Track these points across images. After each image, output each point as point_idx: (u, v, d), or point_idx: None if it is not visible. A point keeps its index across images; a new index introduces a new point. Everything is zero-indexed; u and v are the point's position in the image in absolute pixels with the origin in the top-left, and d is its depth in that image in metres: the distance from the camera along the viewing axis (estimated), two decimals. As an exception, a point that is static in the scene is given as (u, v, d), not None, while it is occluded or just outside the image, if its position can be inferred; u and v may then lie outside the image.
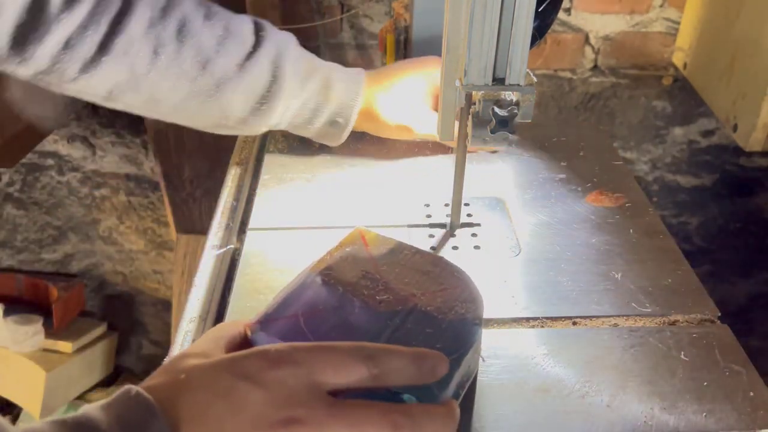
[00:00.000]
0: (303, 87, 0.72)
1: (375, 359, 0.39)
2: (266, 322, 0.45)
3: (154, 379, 0.40)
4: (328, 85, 0.73)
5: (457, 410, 0.40)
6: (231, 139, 0.81)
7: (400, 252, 0.52)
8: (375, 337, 0.44)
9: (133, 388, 0.38)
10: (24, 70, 0.64)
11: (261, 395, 0.37)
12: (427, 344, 0.43)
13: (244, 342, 0.44)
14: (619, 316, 0.57)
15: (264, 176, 0.76)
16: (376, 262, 0.51)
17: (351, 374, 0.38)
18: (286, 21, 1.49)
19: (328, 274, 0.49)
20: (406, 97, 0.76)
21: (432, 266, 0.51)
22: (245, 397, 0.37)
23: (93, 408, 0.37)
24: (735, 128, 1.23)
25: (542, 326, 0.56)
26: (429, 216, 0.69)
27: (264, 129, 0.74)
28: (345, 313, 0.46)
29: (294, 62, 0.71)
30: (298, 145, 0.81)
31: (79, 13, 0.62)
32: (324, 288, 0.48)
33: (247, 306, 0.58)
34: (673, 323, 0.56)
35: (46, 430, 0.35)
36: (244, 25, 0.70)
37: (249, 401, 0.37)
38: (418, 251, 0.52)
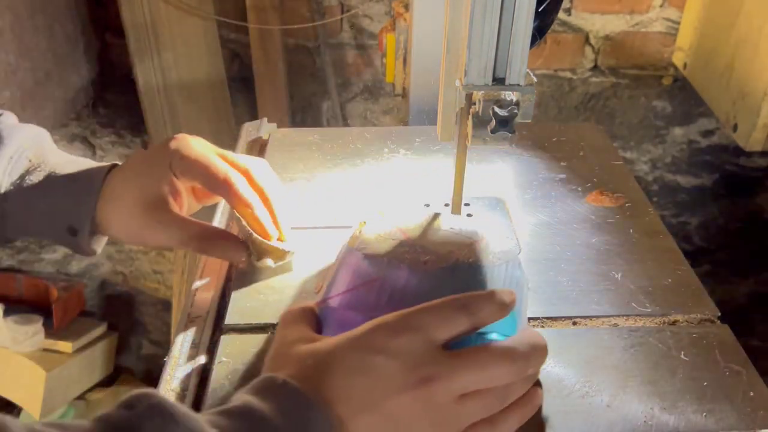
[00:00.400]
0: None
1: (469, 308, 0.43)
2: (332, 298, 0.49)
3: (276, 368, 0.43)
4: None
5: (544, 338, 0.44)
6: (231, 139, 0.81)
7: (419, 220, 0.59)
8: (434, 295, 0.46)
9: (277, 377, 0.40)
10: None
11: (394, 364, 0.40)
12: (483, 289, 0.49)
13: (317, 320, 0.49)
14: (619, 316, 0.57)
15: (264, 176, 0.75)
16: (404, 232, 0.57)
17: (456, 326, 0.43)
18: (286, 21, 1.49)
19: (365, 248, 0.54)
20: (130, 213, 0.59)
21: (454, 225, 0.58)
22: (381, 369, 0.40)
23: (248, 397, 0.39)
24: (735, 128, 1.23)
25: (542, 326, 0.56)
26: (429, 216, 0.69)
27: None
28: (398, 277, 0.51)
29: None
30: (298, 145, 0.81)
31: None
32: (368, 260, 0.53)
33: (248, 306, 0.58)
34: (673, 323, 0.56)
35: (213, 420, 0.37)
36: None
37: (386, 372, 0.40)
38: (435, 215, 0.59)
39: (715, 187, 1.72)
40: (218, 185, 0.58)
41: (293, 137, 0.83)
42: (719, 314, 0.57)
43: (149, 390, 0.37)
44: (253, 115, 1.58)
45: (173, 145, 0.59)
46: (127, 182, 0.59)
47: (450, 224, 0.59)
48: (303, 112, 1.63)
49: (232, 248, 0.58)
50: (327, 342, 0.43)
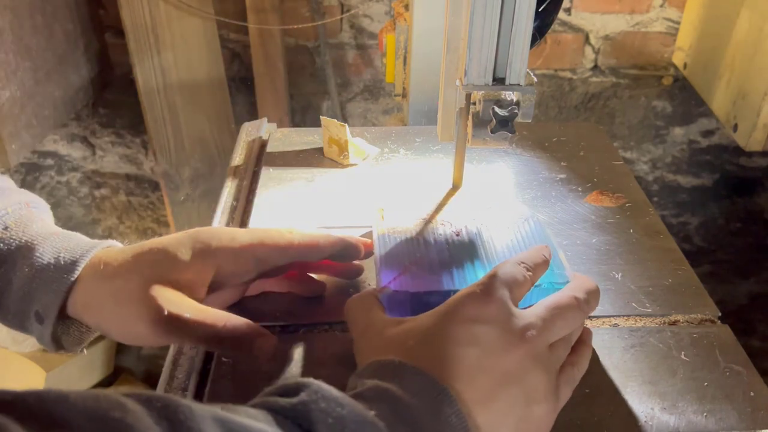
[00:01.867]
0: None
1: (528, 264, 0.48)
2: (391, 283, 0.52)
3: (377, 356, 0.43)
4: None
5: (596, 286, 0.49)
6: (231, 140, 0.81)
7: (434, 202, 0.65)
8: (472, 258, 0.55)
9: (393, 359, 0.42)
10: None
11: (494, 329, 0.43)
12: (519, 249, 0.56)
13: (376, 301, 0.50)
14: (619, 316, 0.57)
15: (264, 176, 0.76)
16: (423, 212, 0.62)
17: (525, 284, 0.47)
18: (286, 21, 1.49)
19: (396, 231, 0.59)
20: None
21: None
22: (485, 336, 0.43)
23: (372, 381, 0.40)
24: (735, 128, 1.23)
25: (542, 326, 0.56)
26: (429, 216, 0.69)
27: None
28: (438, 251, 0.56)
29: None
30: (298, 145, 0.81)
31: None
32: (406, 241, 0.58)
33: (248, 306, 0.58)
34: (674, 323, 0.56)
35: (348, 404, 0.37)
36: None
37: (489, 338, 0.43)
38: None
39: (716, 187, 1.72)
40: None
41: (293, 137, 0.83)
42: (719, 314, 0.57)
43: (306, 378, 0.38)
44: (253, 115, 1.58)
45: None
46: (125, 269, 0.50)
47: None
48: (303, 112, 1.63)
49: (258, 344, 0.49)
50: (419, 321, 0.45)
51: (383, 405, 0.38)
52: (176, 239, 0.51)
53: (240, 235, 0.53)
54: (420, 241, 0.57)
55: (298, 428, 0.35)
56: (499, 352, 0.42)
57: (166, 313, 0.47)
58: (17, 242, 0.51)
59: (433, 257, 0.55)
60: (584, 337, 0.49)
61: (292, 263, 0.55)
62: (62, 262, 0.50)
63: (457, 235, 0.58)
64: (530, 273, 0.48)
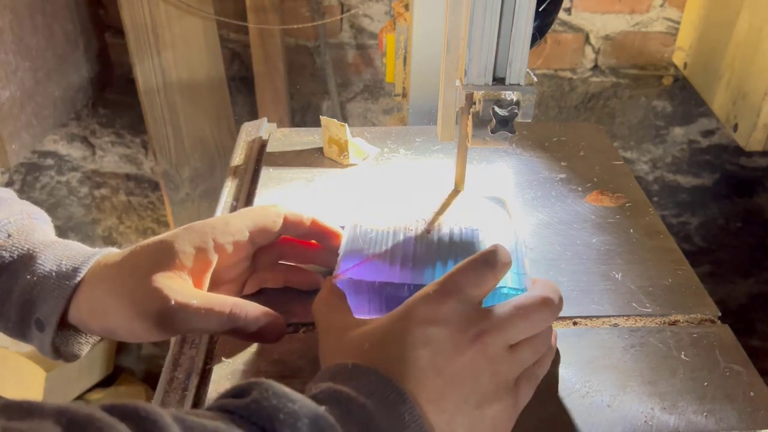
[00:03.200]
0: None
1: (490, 263, 0.46)
2: (348, 270, 0.52)
3: (336, 359, 0.44)
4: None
5: (558, 289, 0.48)
6: (231, 139, 0.81)
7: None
8: (439, 257, 0.54)
9: (346, 362, 0.42)
10: None
11: (447, 330, 0.43)
12: (484, 247, 0.53)
13: (340, 294, 0.51)
14: (619, 316, 0.57)
15: (264, 176, 0.75)
16: (403, 210, 0.62)
17: (486, 283, 0.46)
18: (286, 21, 1.49)
19: (368, 222, 0.59)
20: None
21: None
22: (437, 336, 0.43)
23: (325, 384, 0.40)
24: (735, 128, 1.23)
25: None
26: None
27: None
28: (405, 245, 0.56)
29: None
30: (298, 145, 0.81)
31: None
32: (375, 233, 0.57)
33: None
34: (674, 323, 0.56)
35: (298, 399, 0.37)
36: None
37: (442, 339, 0.43)
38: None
39: (716, 187, 1.72)
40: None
41: (293, 137, 0.83)
42: (719, 314, 0.57)
43: (257, 379, 0.38)
44: (253, 115, 1.58)
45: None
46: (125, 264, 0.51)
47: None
48: (303, 112, 1.63)
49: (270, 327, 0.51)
50: (375, 323, 0.46)
51: (335, 405, 0.39)
52: (173, 233, 0.52)
53: (232, 219, 0.55)
54: (389, 235, 0.57)
55: (252, 426, 0.36)
56: (450, 352, 0.42)
57: (173, 302, 0.48)
58: (19, 250, 0.51)
59: (397, 251, 0.55)
60: (553, 336, 0.50)
61: (284, 252, 0.59)
62: (64, 270, 0.50)
63: (428, 232, 0.58)
64: (496, 271, 0.47)
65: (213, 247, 0.52)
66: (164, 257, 0.50)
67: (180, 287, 0.49)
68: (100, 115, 1.60)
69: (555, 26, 1.34)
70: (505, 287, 0.50)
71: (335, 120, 0.77)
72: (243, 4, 1.44)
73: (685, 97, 1.60)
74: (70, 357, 0.54)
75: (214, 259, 0.53)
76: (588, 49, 1.56)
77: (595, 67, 1.58)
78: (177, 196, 1.57)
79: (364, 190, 0.73)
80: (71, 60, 1.49)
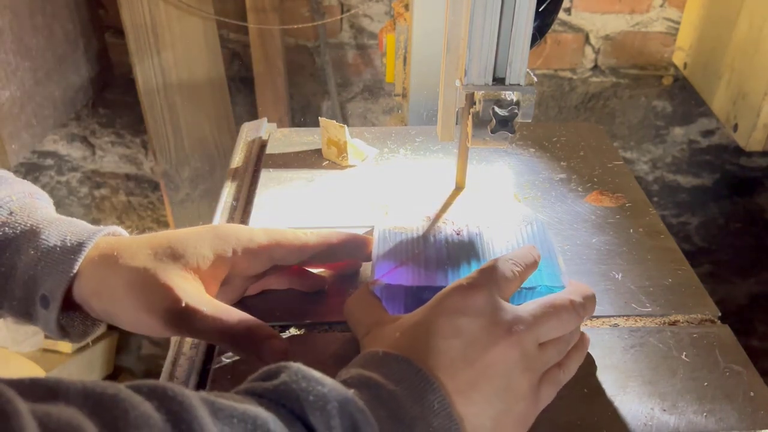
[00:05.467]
0: None
1: (519, 264, 0.48)
2: (384, 276, 0.52)
3: (375, 347, 0.44)
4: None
5: (593, 293, 0.49)
6: (231, 140, 0.81)
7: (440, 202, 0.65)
8: (470, 258, 0.55)
9: (377, 350, 0.43)
10: None
11: (479, 321, 0.43)
12: (514, 249, 0.54)
13: (375, 299, 0.51)
14: (619, 316, 0.57)
15: (264, 176, 0.75)
16: (427, 211, 0.62)
17: (513, 281, 0.47)
18: (286, 21, 1.49)
19: (396, 226, 0.59)
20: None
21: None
22: (469, 327, 0.43)
23: (355, 370, 0.41)
24: (735, 128, 1.23)
25: (542, 326, 0.56)
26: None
27: None
28: (437, 248, 0.56)
29: None
30: (298, 145, 0.81)
31: None
32: (407, 237, 0.58)
33: (248, 305, 0.58)
34: (674, 323, 0.56)
35: (328, 383, 0.37)
36: None
37: (474, 330, 0.43)
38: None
39: (716, 187, 1.72)
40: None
41: (293, 137, 0.83)
42: (719, 314, 0.57)
43: (286, 362, 0.38)
44: (253, 115, 1.58)
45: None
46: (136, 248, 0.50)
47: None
48: (303, 112, 1.63)
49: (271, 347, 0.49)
50: (409, 316, 0.46)
51: (365, 390, 0.39)
52: (196, 233, 0.51)
53: (257, 236, 0.53)
54: (419, 238, 0.58)
55: (281, 408, 0.36)
56: (483, 344, 0.43)
57: (183, 304, 0.47)
58: (22, 227, 0.50)
59: (430, 254, 0.56)
60: (580, 342, 0.50)
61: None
62: (68, 245, 0.49)
63: (458, 234, 0.59)
64: (519, 270, 0.48)
65: (232, 257, 0.51)
66: (182, 255, 0.49)
67: (193, 290, 0.48)
68: (100, 115, 1.60)
69: (555, 26, 1.34)
70: (542, 285, 0.51)
71: (334, 121, 0.76)
72: (243, 4, 1.44)
73: (685, 97, 1.60)
74: (76, 337, 0.53)
75: (229, 268, 0.52)
76: (588, 49, 1.56)
77: (595, 67, 1.58)
78: (177, 196, 1.57)
79: (366, 191, 0.73)
80: (71, 60, 1.49)
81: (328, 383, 0.37)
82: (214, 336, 0.48)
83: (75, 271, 0.48)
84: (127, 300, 0.48)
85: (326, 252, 0.56)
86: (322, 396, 0.36)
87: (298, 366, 0.38)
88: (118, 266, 0.48)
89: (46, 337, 1.56)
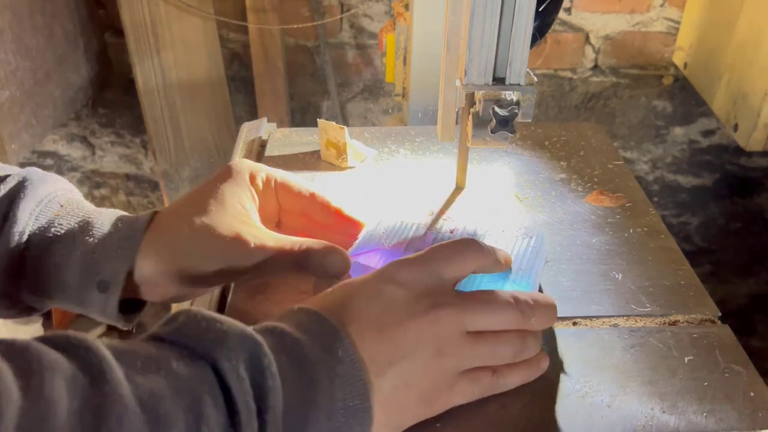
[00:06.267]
0: None
1: (474, 248, 0.47)
2: (360, 255, 0.53)
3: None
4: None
5: (553, 300, 0.48)
6: (231, 139, 0.81)
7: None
8: None
9: (293, 307, 0.43)
10: None
11: (404, 292, 0.44)
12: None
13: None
14: (619, 316, 0.57)
15: (264, 176, 0.75)
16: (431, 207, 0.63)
17: (464, 265, 0.46)
18: (286, 21, 1.49)
19: (397, 215, 0.60)
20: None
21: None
22: (392, 295, 0.43)
23: (266, 323, 0.42)
24: (735, 128, 1.23)
25: (542, 326, 0.56)
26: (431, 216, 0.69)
27: None
28: (423, 242, 0.56)
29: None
30: (298, 145, 0.81)
31: None
32: (398, 226, 0.58)
33: (247, 306, 0.57)
34: (674, 323, 0.56)
35: (227, 321, 0.38)
36: None
37: (396, 298, 0.43)
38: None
39: (716, 187, 1.72)
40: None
41: (293, 137, 0.83)
42: (720, 314, 0.57)
43: (185, 308, 0.39)
44: (253, 115, 1.58)
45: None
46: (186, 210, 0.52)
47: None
48: (303, 112, 1.63)
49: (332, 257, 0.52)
50: (350, 280, 0.46)
51: (268, 337, 0.39)
52: (227, 185, 0.54)
53: (268, 169, 0.57)
54: (410, 230, 0.58)
55: (184, 349, 0.37)
56: (399, 314, 0.43)
57: (252, 246, 0.49)
58: (75, 218, 0.51)
59: (413, 246, 0.55)
60: (536, 360, 0.48)
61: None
62: (123, 230, 0.51)
63: (451, 232, 0.58)
64: (478, 257, 0.47)
65: (265, 190, 0.56)
66: (228, 203, 0.52)
67: (257, 232, 0.51)
68: (99, 115, 1.60)
69: (555, 26, 1.34)
70: (506, 281, 0.51)
71: (333, 123, 0.76)
72: (243, 4, 1.44)
73: (686, 97, 1.60)
74: (128, 321, 0.55)
75: (276, 202, 0.57)
76: (588, 49, 1.56)
77: (596, 66, 1.58)
78: (177, 196, 1.57)
79: (366, 191, 0.73)
80: (71, 60, 1.49)
81: (226, 321, 0.38)
82: (284, 268, 0.50)
83: (135, 252, 0.50)
84: (195, 260, 0.50)
85: (324, 216, 0.57)
86: (221, 333, 0.37)
87: (197, 309, 0.39)
88: (175, 234, 0.51)
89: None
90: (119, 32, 1.47)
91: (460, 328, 0.44)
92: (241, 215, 0.52)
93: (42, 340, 0.33)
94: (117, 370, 0.33)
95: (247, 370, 0.36)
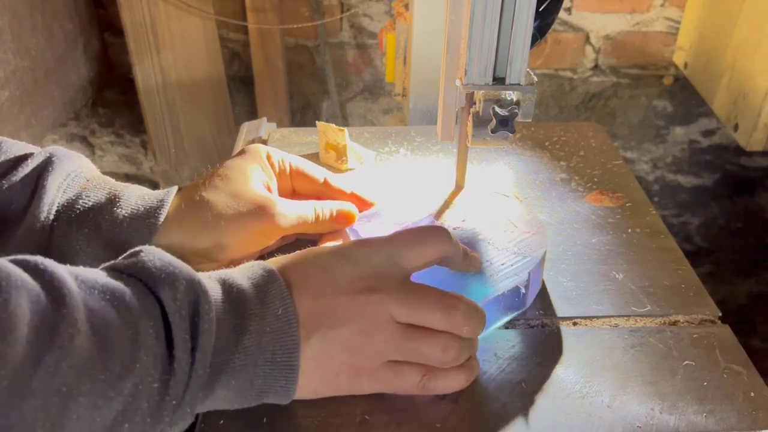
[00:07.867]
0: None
1: (439, 238, 0.48)
2: (360, 221, 0.58)
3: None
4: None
5: (484, 315, 0.48)
6: (231, 139, 0.81)
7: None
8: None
9: (255, 262, 0.46)
10: None
11: (349, 268, 0.45)
12: (495, 272, 0.54)
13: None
14: (619, 316, 0.57)
15: (263, 176, 0.75)
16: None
17: (426, 254, 0.47)
18: (286, 21, 1.49)
19: (412, 200, 0.63)
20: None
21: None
22: (337, 269, 0.45)
23: (226, 270, 0.45)
24: (736, 128, 1.23)
25: (542, 326, 0.56)
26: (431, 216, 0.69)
27: None
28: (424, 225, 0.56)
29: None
30: (298, 145, 0.81)
31: None
32: (408, 209, 0.61)
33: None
34: (674, 323, 0.56)
35: (179, 264, 0.42)
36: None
37: (339, 272, 0.45)
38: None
39: (716, 187, 1.72)
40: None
41: (293, 137, 0.83)
42: (720, 314, 0.57)
43: (145, 246, 0.43)
44: (253, 115, 1.58)
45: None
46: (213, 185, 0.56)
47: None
48: (303, 112, 1.63)
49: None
50: (320, 246, 0.51)
51: (218, 284, 0.43)
52: (239, 162, 0.58)
53: (286, 154, 0.62)
54: (420, 214, 0.60)
55: (138, 282, 0.40)
56: (338, 287, 0.45)
57: (276, 210, 0.55)
58: (101, 191, 0.54)
59: (410, 222, 0.58)
60: (469, 365, 0.48)
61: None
62: (150, 202, 0.53)
63: (454, 228, 0.59)
64: (439, 248, 0.48)
65: (278, 169, 0.61)
66: (246, 176, 0.56)
67: (278, 200, 0.56)
68: (99, 115, 1.60)
69: (555, 26, 1.34)
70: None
71: (333, 125, 0.76)
72: (243, 4, 1.44)
73: (686, 96, 1.60)
74: None
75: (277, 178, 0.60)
76: (588, 49, 1.56)
77: (596, 66, 1.58)
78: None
79: (368, 191, 0.73)
80: (70, 60, 1.49)
81: (179, 265, 0.41)
82: (306, 228, 0.57)
83: (160, 223, 0.52)
84: (220, 232, 0.53)
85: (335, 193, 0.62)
86: (172, 274, 0.40)
87: (156, 249, 0.42)
88: (199, 207, 0.54)
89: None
90: (119, 32, 1.47)
91: (386, 315, 0.45)
92: (264, 186, 0.57)
93: (14, 261, 0.36)
94: (76, 296, 0.36)
95: (189, 311, 0.40)
